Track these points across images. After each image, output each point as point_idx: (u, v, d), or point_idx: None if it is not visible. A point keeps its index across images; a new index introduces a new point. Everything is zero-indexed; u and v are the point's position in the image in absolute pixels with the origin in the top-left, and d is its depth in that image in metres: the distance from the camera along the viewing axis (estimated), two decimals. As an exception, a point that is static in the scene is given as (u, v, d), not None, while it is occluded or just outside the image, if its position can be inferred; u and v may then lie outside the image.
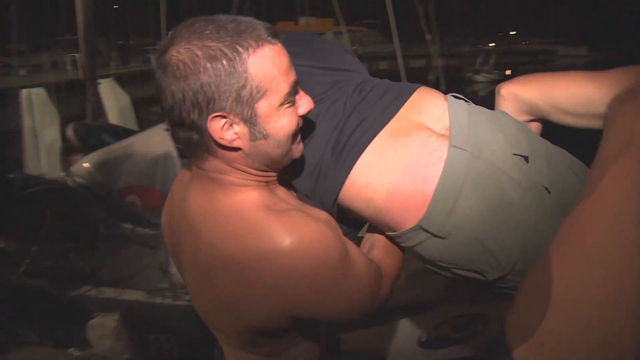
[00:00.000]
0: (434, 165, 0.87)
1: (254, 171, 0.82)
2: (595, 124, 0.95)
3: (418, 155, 0.88)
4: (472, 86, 27.08)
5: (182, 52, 0.72)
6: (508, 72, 31.99)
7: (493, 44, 39.29)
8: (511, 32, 49.57)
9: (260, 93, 0.75)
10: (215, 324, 0.93)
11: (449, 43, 34.39)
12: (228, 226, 0.79)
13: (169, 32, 0.76)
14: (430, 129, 0.93)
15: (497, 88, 1.09)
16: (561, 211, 0.89)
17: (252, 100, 0.75)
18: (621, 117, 0.81)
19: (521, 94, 1.03)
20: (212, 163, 0.81)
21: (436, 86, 5.63)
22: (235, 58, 0.72)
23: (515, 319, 0.86)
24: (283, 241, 0.76)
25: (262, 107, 0.76)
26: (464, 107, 0.96)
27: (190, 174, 0.89)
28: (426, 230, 0.88)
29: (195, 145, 0.79)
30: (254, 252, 0.77)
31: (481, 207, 0.87)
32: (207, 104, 0.73)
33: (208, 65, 0.71)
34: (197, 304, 0.93)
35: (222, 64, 0.72)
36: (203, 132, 0.76)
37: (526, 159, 0.91)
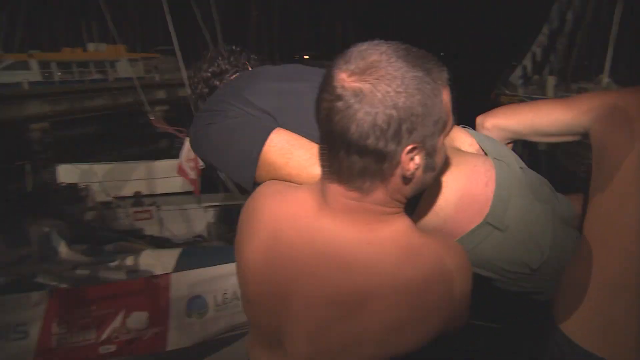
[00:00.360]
0: (489, 172, 1.05)
1: (404, 200, 0.82)
2: (568, 139, 1.21)
3: (476, 164, 1.05)
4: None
5: (387, 78, 0.69)
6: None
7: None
8: (305, 57, 53.40)
9: (443, 126, 0.76)
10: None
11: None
12: (395, 253, 0.79)
13: (344, 57, 0.73)
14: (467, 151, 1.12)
15: (478, 121, 1.25)
16: (553, 217, 1.10)
17: (438, 132, 0.76)
18: (616, 139, 1.03)
19: (506, 125, 1.22)
20: (377, 194, 0.78)
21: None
22: (436, 89, 0.73)
23: (561, 300, 1.05)
24: (448, 259, 0.80)
25: (440, 140, 0.78)
26: (477, 133, 1.18)
27: (287, 210, 0.86)
28: (491, 225, 1.03)
29: (369, 175, 0.76)
30: (426, 274, 0.78)
31: (524, 203, 1.05)
32: (409, 133, 0.71)
33: (417, 93, 0.70)
34: (320, 340, 0.84)
35: (428, 94, 0.71)
36: (392, 161, 0.73)
37: (524, 170, 1.12)
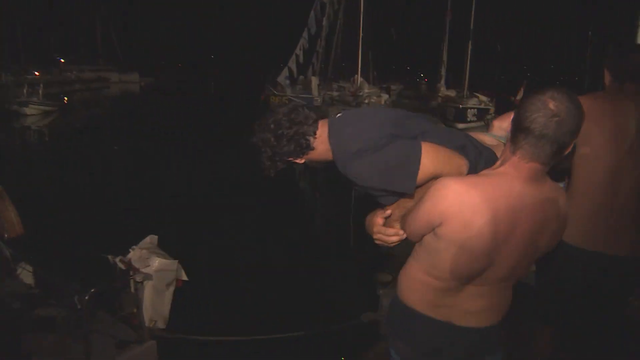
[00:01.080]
0: None
1: None
2: None
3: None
4: (23, 119, 24.23)
5: (573, 106, 1.24)
6: (65, 101, 30.41)
7: (38, 73, 35.97)
8: (62, 60, 47.65)
9: None
10: (521, 271, 1.44)
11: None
12: (553, 196, 1.37)
13: (547, 95, 1.24)
14: None
15: (494, 123, 1.84)
16: None
17: None
18: (588, 131, 1.72)
19: (505, 126, 1.66)
20: (549, 165, 1.31)
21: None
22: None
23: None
24: (563, 191, 1.45)
25: None
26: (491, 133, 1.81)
27: (496, 192, 1.31)
28: None
29: (556, 156, 1.27)
30: (564, 203, 1.40)
31: None
32: (578, 131, 1.26)
33: (581, 111, 1.26)
34: (522, 259, 1.40)
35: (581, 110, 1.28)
36: (569, 147, 1.28)
37: None
